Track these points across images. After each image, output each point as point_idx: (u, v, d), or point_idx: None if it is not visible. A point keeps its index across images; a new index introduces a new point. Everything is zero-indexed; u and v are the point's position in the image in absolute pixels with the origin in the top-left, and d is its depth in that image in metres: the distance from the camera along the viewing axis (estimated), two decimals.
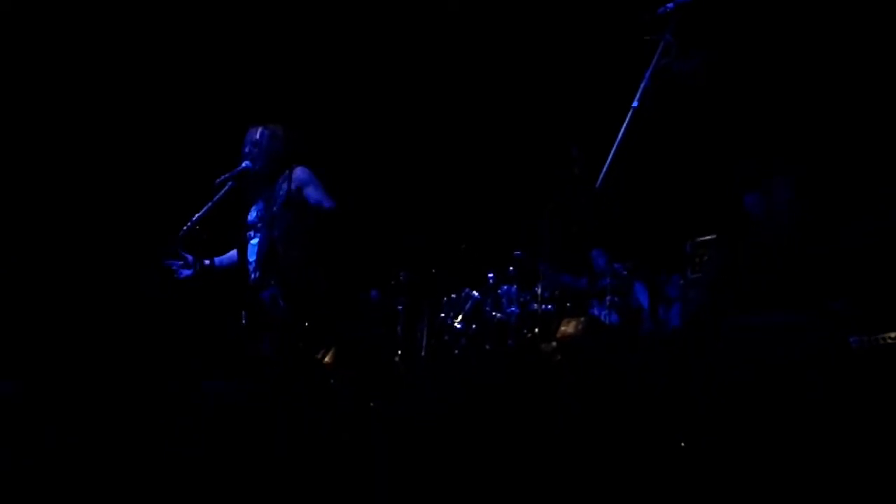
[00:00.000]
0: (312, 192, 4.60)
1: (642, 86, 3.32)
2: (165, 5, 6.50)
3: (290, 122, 4.89)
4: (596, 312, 6.09)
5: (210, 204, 4.58)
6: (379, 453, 4.55)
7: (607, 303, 5.94)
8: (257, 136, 4.72)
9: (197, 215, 4.54)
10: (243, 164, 4.67)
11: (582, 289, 6.28)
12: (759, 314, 3.33)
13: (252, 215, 4.79)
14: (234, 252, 4.83)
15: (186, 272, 4.70)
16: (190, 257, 4.66)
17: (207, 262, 4.68)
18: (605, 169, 3.20)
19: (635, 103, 3.26)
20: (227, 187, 4.61)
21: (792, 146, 4.37)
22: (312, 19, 6.82)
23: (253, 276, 4.70)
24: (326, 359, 6.00)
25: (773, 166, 4.20)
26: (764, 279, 3.77)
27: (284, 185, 4.67)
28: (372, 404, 4.91)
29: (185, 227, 4.53)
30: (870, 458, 2.83)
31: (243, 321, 4.70)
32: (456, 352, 6.17)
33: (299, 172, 4.67)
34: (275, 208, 4.68)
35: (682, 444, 2.99)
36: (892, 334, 3.28)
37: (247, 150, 4.71)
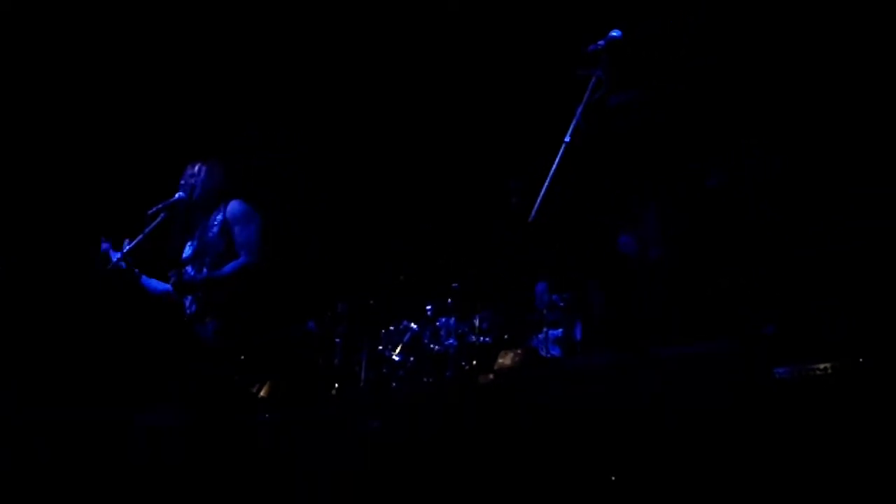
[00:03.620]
0: (240, 233, 4.61)
1: (574, 121, 3.36)
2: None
3: (225, 158, 4.89)
4: (536, 344, 6.11)
5: (141, 236, 4.53)
6: (311, 488, 4.49)
7: (544, 335, 5.96)
8: (195, 170, 4.74)
9: (127, 247, 4.47)
10: (176, 196, 4.63)
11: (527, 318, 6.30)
12: (674, 346, 3.36)
13: (187, 251, 4.74)
14: (161, 283, 4.77)
15: (117, 258, 4.66)
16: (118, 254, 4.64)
17: (137, 271, 4.65)
18: (538, 202, 3.23)
19: (567, 138, 3.30)
20: (159, 218, 4.56)
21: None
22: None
23: (188, 309, 4.66)
24: (262, 392, 5.93)
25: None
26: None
27: (219, 216, 4.68)
28: (306, 438, 4.84)
29: (114, 259, 4.44)
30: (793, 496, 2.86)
31: (177, 351, 4.64)
32: (394, 384, 6.13)
33: (234, 206, 4.67)
34: (207, 238, 4.67)
35: (613, 478, 3.00)
36: (822, 365, 3.31)
37: (183, 181, 4.71)
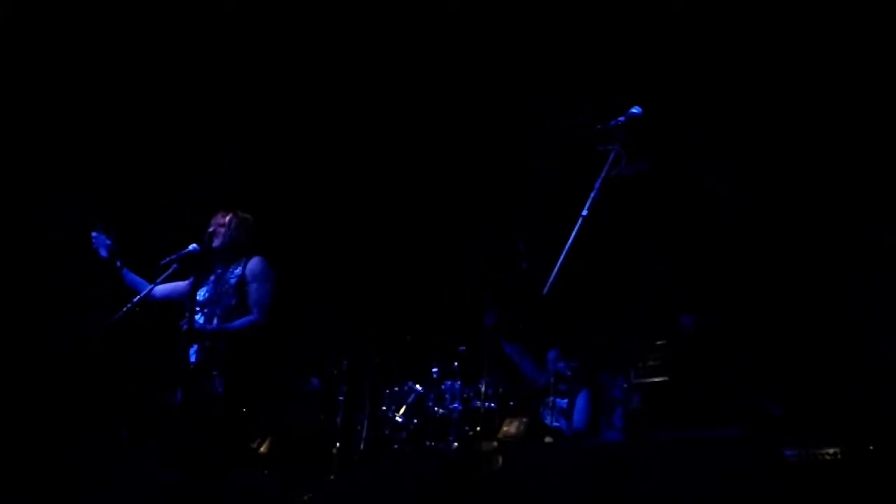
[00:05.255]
0: (255, 291, 4.73)
1: (592, 195, 3.38)
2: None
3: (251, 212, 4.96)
4: (543, 412, 6.03)
5: (151, 287, 4.57)
6: None
7: (550, 404, 5.89)
8: (225, 220, 4.82)
9: (137, 297, 4.51)
10: (189, 248, 4.66)
11: (536, 382, 6.22)
12: (694, 428, 3.35)
13: (201, 295, 4.77)
14: (143, 281, 4.78)
15: (104, 251, 4.69)
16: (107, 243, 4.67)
17: (119, 263, 4.71)
18: (553, 275, 3.23)
19: (584, 212, 3.31)
20: (171, 269, 4.61)
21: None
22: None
23: (193, 357, 4.66)
24: (262, 448, 5.87)
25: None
26: (695, 393, 3.81)
27: (238, 270, 4.75)
28: (305, 498, 4.78)
29: (124, 309, 4.47)
30: None
31: (177, 401, 4.62)
32: (395, 446, 6.06)
33: (255, 263, 4.78)
34: (223, 289, 4.72)
35: None
36: (830, 450, 3.29)
37: (212, 228, 4.78)
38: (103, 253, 4.75)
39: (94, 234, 4.77)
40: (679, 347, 4.32)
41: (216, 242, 4.78)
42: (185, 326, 4.57)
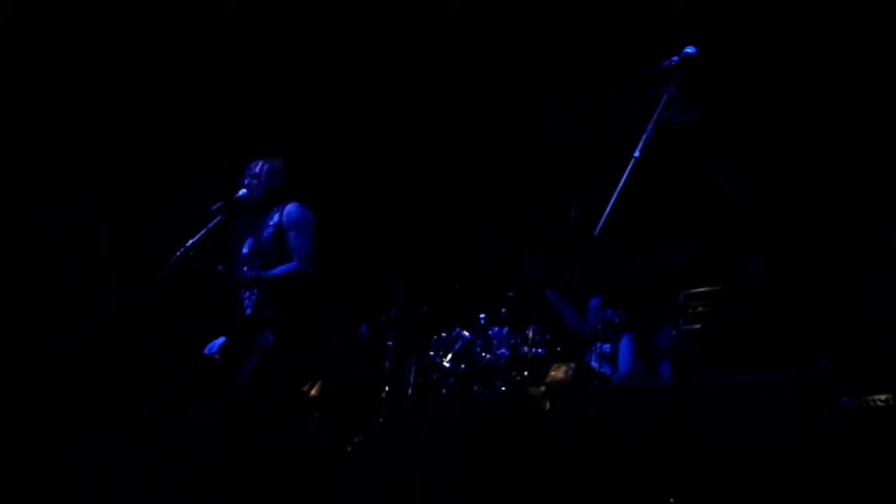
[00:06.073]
0: (295, 238, 4.63)
1: (644, 137, 3.32)
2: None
3: (287, 157, 4.91)
4: (589, 358, 6.05)
5: (203, 231, 4.57)
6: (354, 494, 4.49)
7: (597, 349, 5.89)
8: (257, 169, 4.77)
9: (189, 242, 4.52)
10: (239, 193, 4.67)
11: (578, 330, 6.23)
12: (750, 372, 3.32)
13: (245, 248, 4.78)
14: None
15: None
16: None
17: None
18: (603, 218, 3.19)
19: (637, 153, 3.26)
20: (218, 217, 4.60)
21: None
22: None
23: (247, 311, 4.68)
24: (312, 392, 5.96)
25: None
26: (760, 337, 3.76)
27: (275, 217, 4.70)
28: (354, 441, 4.85)
29: (176, 254, 4.49)
30: None
31: (225, 352, 4.67)
32: (443, 391, 6.11)
33: (291, 209, 4.69)
34: (262, 238, 4.69)
35: (672, 500, 2.95)
36: (882, 397, 3.28)
37: (246, 181, 4.75)
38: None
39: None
40: (735, 293, 4.25)
41: (252, 194, 4.73)
42: (220, 271, 4.57)
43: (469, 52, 6.73)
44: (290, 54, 6.85)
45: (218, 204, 4.62)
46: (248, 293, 4.66)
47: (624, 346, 5.98)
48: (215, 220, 4.59)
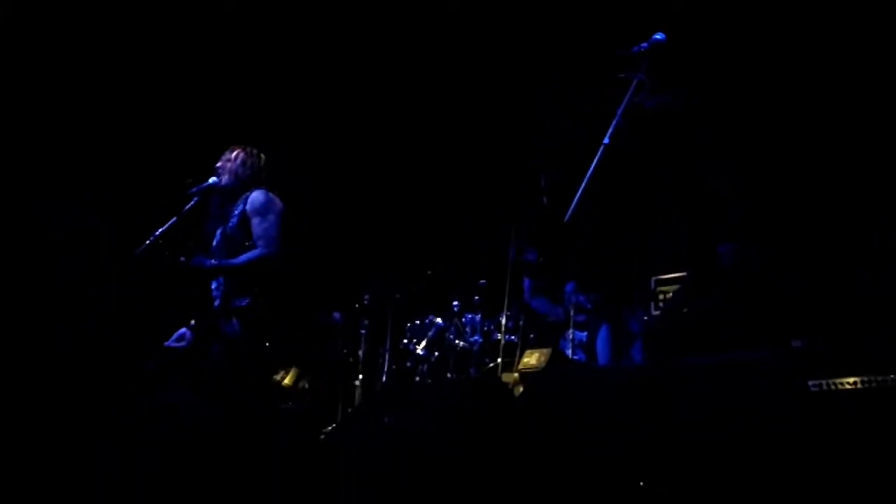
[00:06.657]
0: (259, 224, 4.56)
1: (614, 123, 3.33)
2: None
3: (262, 146, 4.88)
4: (563, 346, 6.06)
5: (175, 219, 4.52)
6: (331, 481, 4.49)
7: (570, 336, 5.92)
8: (231, 155, 4.73)
9: (160, 229, 4.48)
10: (210, 180, 4.63)
11: (550, 316, 6.25)
12: (721, 353, 3.34)
13: (214, 240, 4.74)
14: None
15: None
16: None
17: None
18: (574, 203, 3.21)
19: (606, 140, 3.27)
20: (192, 202, 4.56)
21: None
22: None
23: (216, 302, 4.64)
24: (286, 380, 5.95)
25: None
26: (731, 320, 3.79)
27: (240, 206, 4.64)
28: (328, 430, 4.85)
29: (147, 241, 4.45)
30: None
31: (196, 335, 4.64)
32: (417, 378, 6.12)
33: (255, 195, 4.62)
34: (228, 228, 4.64)
35: (641, 483, 2.97)
36: (850, 380, 3.30)
37: (219, 164, 4.71)
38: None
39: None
40: (704, 278, 4.29)
41: (223, 180, 4.69)
42: (182, 263, 4.52)
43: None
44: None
45: (192, 189, 4.58)
46: (215, 283, 4.61)
47: (602, 336, 5.99)
48: (188, 206, 4.55)
